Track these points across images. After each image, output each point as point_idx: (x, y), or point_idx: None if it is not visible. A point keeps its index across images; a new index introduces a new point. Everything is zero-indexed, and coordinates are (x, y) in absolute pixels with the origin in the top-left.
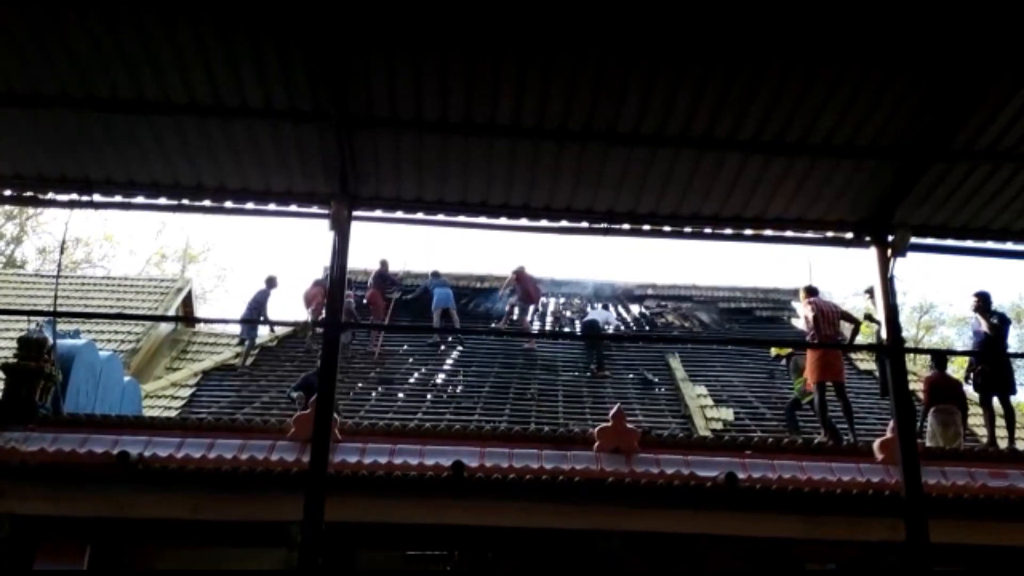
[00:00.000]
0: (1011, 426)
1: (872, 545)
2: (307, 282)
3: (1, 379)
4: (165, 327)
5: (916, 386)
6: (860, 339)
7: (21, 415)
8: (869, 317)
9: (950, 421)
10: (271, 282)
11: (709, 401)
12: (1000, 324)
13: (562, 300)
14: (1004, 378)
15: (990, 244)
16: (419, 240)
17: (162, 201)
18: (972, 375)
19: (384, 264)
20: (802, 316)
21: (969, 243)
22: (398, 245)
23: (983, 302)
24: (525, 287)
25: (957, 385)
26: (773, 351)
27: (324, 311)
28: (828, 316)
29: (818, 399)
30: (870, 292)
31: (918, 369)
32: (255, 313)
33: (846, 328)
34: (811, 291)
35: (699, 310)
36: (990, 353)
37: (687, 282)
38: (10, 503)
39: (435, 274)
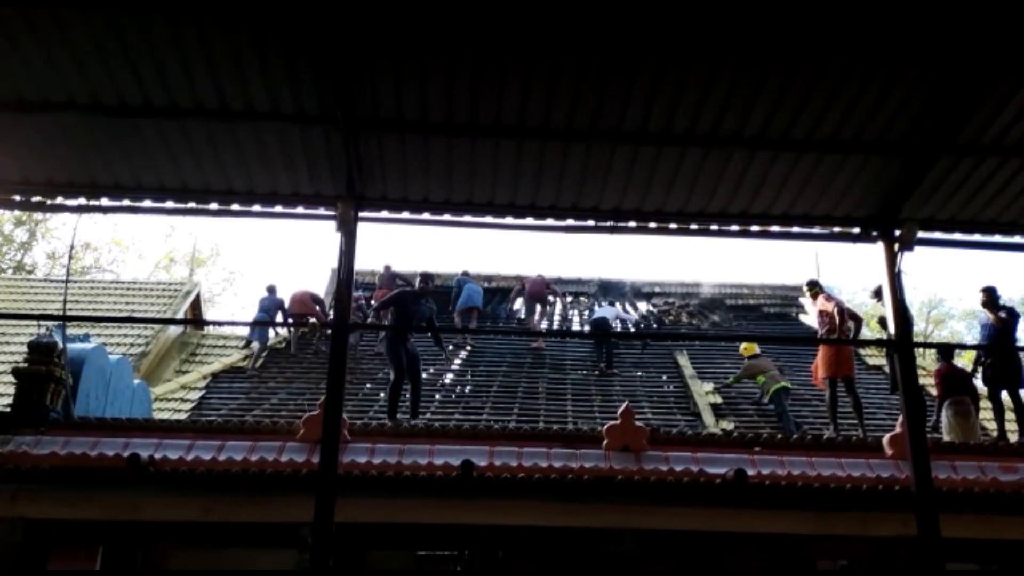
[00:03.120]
0: (1021, 420)
1: (883, 541)
2: (304, 285)
3: (12, 384)
4: (174, 330)
5: (925, 381)
6: (868, 334)
7: (32, 419)
8: (883, 323)
9: (967, 412)
10: (272, 290)
11: (718, 398)
12: (1008, 318)
13: (569, 299)
14: (1013, 372)
15: (998, 238)
16: (428, 241)
17: (169, 204)
18: (981, 369)
19: (388, 268)
20: (814, 312)
21: (977, 237)
22: (407, 246)
23: (990, 297)
24: (530, 290)
25: (968, 376)
26: (743, 346)
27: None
28: (832, 312)
29: (829, 395)
30: (877, 294)
31: (927, 364)
32: (266, 317)
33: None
34: (815, 286)
35: (707, 307)
36: (999, 347)
37: (694, 279)
38: (23, 507)
39: (466, 273)
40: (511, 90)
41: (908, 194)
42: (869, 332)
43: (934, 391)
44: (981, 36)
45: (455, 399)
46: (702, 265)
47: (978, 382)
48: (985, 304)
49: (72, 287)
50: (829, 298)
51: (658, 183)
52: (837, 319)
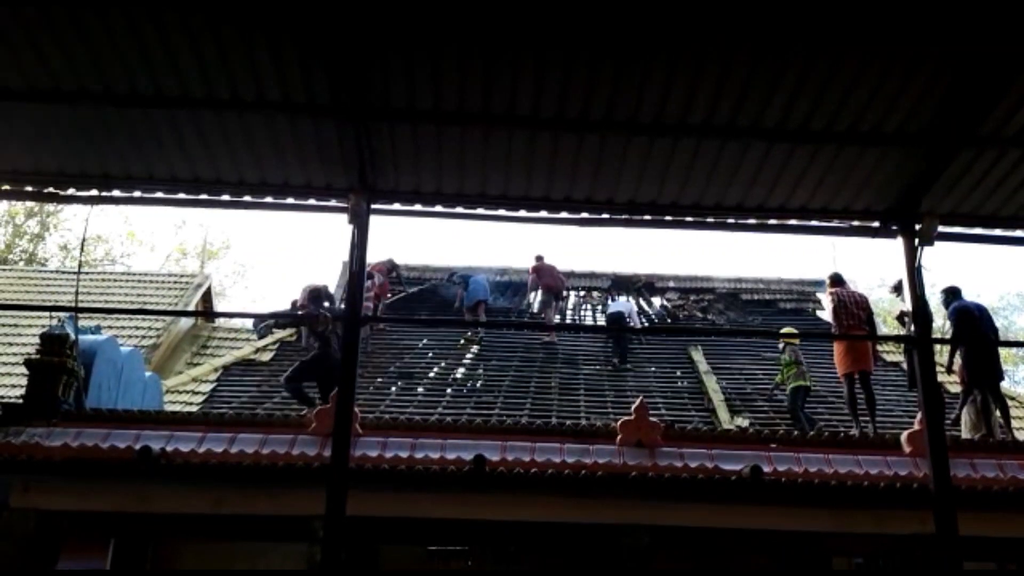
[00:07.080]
0: (988, 418)
1: (900, 538)
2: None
3: (24, 375)
4: (185, 323)
5: (944, 378)
6: (886, 330)
7: (44, 411)
8: (901, 319)
9: (991, 410)
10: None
11: (728, 394)
12: (962, 314)
13: (582, 292)
14: (990, 369)
15: (1020, 233)
16: (438, 233)
17: (181, 196)
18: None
19: (391, 261)
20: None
21: (998, 232)
22: (416, 237)
23: (947, 297)
24: (544, 280)
25: None
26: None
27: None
28: (849, 307)
29: (847, 391)
30: (897, 289)
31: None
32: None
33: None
34: (835, 280)
35: (721, 302)
36: (1006, 343)
37: (709, 274)
38: (35, 498)
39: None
40: (524, 80)
41: (928, 187)
42: (886, 328)
43: (952, 387)
44: (1001, 23)
45: (467, 393)
46: (717, 260)
47: None
48: (944, 304)
49: (84, 279)
50: (832, 292)
51: (673, 176)
52: (830, 313)
